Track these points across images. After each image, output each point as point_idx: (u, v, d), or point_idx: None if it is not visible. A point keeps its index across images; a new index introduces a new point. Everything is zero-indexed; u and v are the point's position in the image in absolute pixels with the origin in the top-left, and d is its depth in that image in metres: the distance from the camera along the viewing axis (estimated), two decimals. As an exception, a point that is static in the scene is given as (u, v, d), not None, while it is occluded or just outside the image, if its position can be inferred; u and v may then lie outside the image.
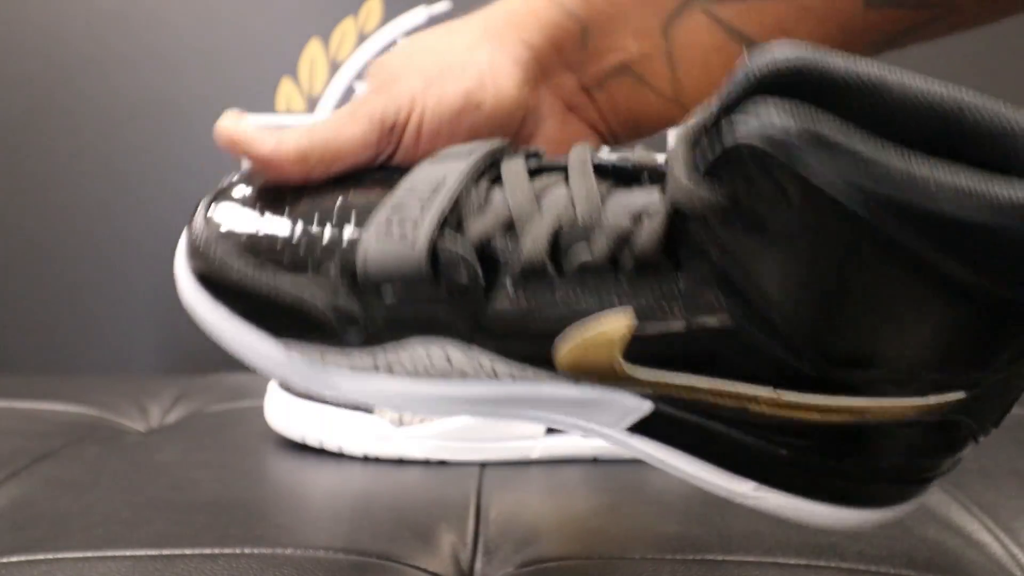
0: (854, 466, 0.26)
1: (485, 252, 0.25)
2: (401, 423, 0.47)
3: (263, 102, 0.78)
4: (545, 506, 0.41)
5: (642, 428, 0.27)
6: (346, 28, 0.78)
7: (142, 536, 0.35)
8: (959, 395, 0.24)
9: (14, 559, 0.33)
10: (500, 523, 0.39)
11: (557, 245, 0.25)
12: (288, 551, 0.34)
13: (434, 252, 0.25)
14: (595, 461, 0.47)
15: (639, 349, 0.25)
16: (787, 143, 0.20)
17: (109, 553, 0.34)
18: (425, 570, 0.34)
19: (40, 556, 0.34)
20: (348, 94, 0.78)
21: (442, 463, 0.47)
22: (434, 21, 0.78)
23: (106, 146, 0.78)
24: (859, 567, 0.34)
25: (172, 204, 0.78)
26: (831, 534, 0.36)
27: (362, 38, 0.78)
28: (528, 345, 0.26)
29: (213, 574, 0.32)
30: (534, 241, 0.25)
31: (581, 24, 0.32)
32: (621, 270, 0.24)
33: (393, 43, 0.78)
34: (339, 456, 0.48)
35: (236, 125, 0.29)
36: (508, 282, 0.25)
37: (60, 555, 0.34)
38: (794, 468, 0.26)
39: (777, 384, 0.24)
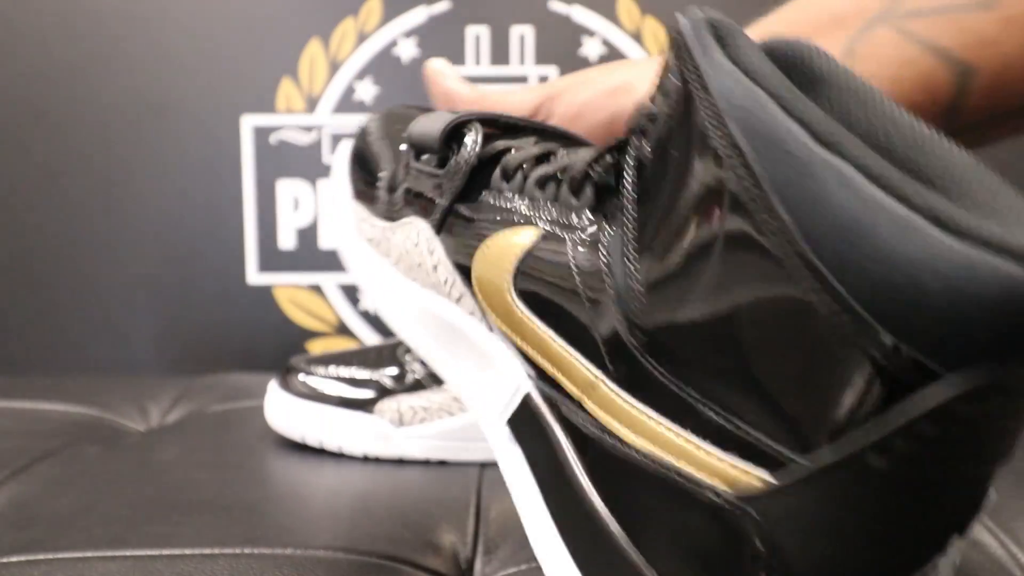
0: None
1: (484, 157, 0.31)
2: (401, 423, 0.47)
3: (263, 102, 0.78)
4: (545, 506, 0.41)
5: (514, 422, 0.28)
6: (346, 28, 0.78)
7: (142, 536, 0.35)
8: (761, 474, 0.19)
9: (14, 559, 0.33)
10: (500, 523, 0.39)
11: (522, 165, 0.29)
12: (288, 551, 0.34)
13: (451, 134, 0.32)
14: None
15: (524, 281, 0.27)
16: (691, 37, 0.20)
17: (109, 553, 0.34)
18: (425, 570, 0.34)
19: (40, 556, 0.34)
20: (348, 94, 0.78)
21: (442, 463, 0.47)
22: (434, 21, 0.78)
23: (106, 146, 0.78)
24: (859, 567, 0.34)
25: (172, 204, 0.78)
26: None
27: (362, 38, 0.78)
28: (464, 247, 0.30)
29: (213, 574, 0.32)
30: (512, 158, 0.30)
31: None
32: (562, 195, 0.27)
33: (393, 43, 0.78)
34: (339, 456, 0.48)
35: (444, 68, 0.43)
36: (482, 188, 0.30)
37: (60, 555, 0.34)
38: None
39: (605, 367, 0.24)
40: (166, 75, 0.77)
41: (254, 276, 0.80)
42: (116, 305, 0.80)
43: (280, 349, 0.80)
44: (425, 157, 0.33)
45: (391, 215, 0.34)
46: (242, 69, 0.78)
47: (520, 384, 0.28)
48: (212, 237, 0.79)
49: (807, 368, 0.18)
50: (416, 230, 0.32)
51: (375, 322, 0.81)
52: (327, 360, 0.51)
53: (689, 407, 0.21)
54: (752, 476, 0.19)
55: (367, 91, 0.78)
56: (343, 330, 0.81)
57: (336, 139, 0.78)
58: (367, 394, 0.48)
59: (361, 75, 0.78)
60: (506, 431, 0.29)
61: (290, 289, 0.80)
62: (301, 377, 0.50)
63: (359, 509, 0.40)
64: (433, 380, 0.48)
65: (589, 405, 0.25)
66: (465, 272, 0.30)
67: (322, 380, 0.49)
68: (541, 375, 0.27)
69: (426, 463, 0.47)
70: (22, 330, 0.81)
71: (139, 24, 0.77)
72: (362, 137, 0.38)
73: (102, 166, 0.78)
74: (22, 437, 0.50)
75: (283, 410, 0.49)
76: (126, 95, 0.77)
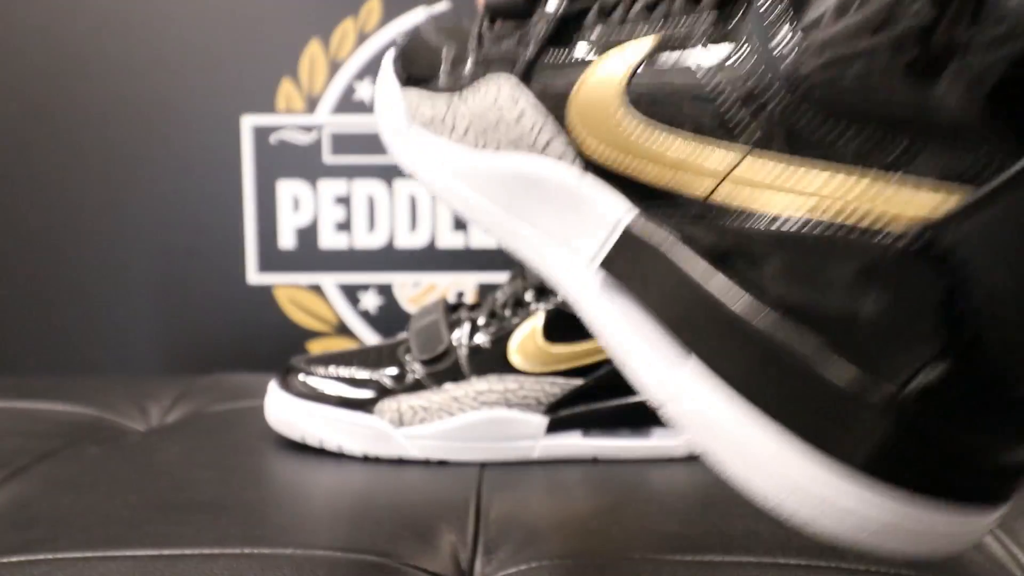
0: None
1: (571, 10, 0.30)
2: (401, 423, 0.47)
3: (263, 102, 0.78)
4: (545, 506, 0.41)
5: (611, 261, 0.28)
6: (346, 28, 0.78)
7: (142, 536, 0.35)
8: None
9: (14, 559, 0.33)
10: (500, 523, 0.39)
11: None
12: (288, 551, 0.34)
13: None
14: (595, 461, 0.47)
15: (641, 88, 0.27)
16: None
17: (109, 553, 0.34)
18: (425, 570, 0.34)
19: (40, 556, 0.34)
20: (348, 94, 0.78)
21: (442, 463, 0.47)
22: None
23: (106, 146, 0.78)
24: (859, 567, 0.34)
25: (172, 203, 0.78)
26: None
27: (362, 38, 0.78)
28: (559, 84, 0.29)
29: (213, 574, 0.32)
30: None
31: None
32: (675, 8, 0.27)
33: (394, 43, 0.78)
34: (339, 456, 0.48)
35: None
36: (573, 33, 0.30)
37: (60, 555, 0.34)
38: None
39: (754, 141, 0.24)
40: (166, 75, 0.78)
41: (254, 276, 0.80)
42: (116, 305, 0.80)
43: (280, 349, 0.80)
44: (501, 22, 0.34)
45: (459, 85, 0.34)
46: (242, 69, 0.78)
47: (620, 217, 0.28)
48: (212, 237, 0.79)
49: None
50: (496, 86, 0.32)
51: (375, 322, 0.81)
52: (327, 360, 0.51)
53: (872, 145, 0.21)
54: (951, 195, 0.20)
55: (367, 91, 0.78)
56: (343, 330, 0.81)
57: (336, 139, 0.78)
58: (367, 394, 0.48)
59: (361, 75, 0.78)
60: (599, 277, 0.29)
61: (290, 289, 0.80)
62: (301, 377, 0.50)
63: (359, 509, 0.40)
64: (433, 380, 0.48)
65: (721, 196, 0.24)
66: (557, 111, 0.30)
67: (322, 380, 0.49)
68: (650, 194, 0.27)
69: (426, 463, 0.47)
70: (22, 330, 0.81)
71: (139, 24, 0.77)
72: (413, 34, 0.38)
73: (102, 166, 0.78)
74: (22, 437, 0.50)
75: (283, 410, 0.49)
76: (126, 95, 0.77)
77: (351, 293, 0.81)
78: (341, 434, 0.48)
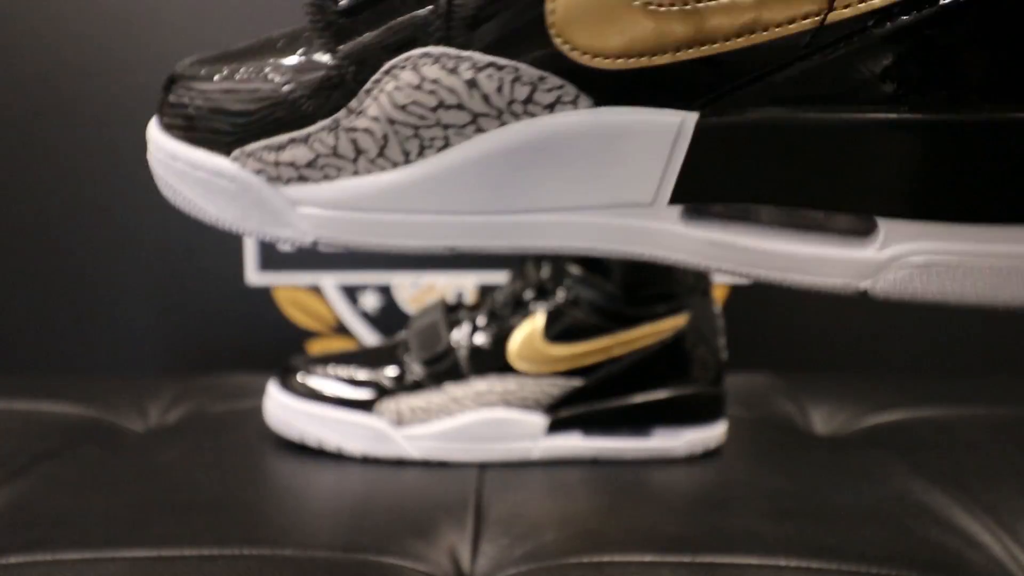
0: None
1: None
2: (401, 423, 0.47)
3: (263, 102, 0.78)
4: (545, 506, 0.41)
5: (682, 185, 0.23)
6: (346, 28, 0.78)
7: (142, 536, 0.35)
8: None
9: (13, 560, 0.33)
10: (500, 523, 0.39)
11: None
12: (288, 551, 0.34)
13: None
14: (595, 462, 0.47)
15: None
16: None
17: (109, 554, 0.34)
18: (425, 571, 0.34)
19: (39, 557, 0.34)
20: (348, 94, 0.78)
21: (442, 464, 0.47)
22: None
23: (106, 146, 0.78)
24: (859, 568, 0.34)
25: (170, 204, 0.78)
26: (831, 535, 0.36)
27: (362, 38, 0.78)
28: (525, 14, 0.23)
29: (213, 574, 0.32)
30: None
31: None
32: None
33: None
34: (338, 457, 0.48)
35: None
36: None
37: (59, 556, 0.34)
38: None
39: None
40: (167, 75, 0.77)
41: (253, 276, 0.80)
42: (115, 305, 0.80)
43: (279, 349, 0.80)
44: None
45: (340, 99, 0.26)
46: (242, 69, 0.78)
47: (683, 120, 0.23)
48: (211, 237, 0.79)
49: None
50: (411, 71, 0.25)
51: (374, 322, 0.81)
52: (327, 360, 0.51)
53: None
54: None
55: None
56: (342, 330, 0.81)
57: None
58: (367, 394, 0.48)
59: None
60: (676, 211, 0.24)
61: (289, 289, 0.80)
62: (300, 377, 0.50)
63: (359, 509, 0.40)
64: (433, 380, 0.48)
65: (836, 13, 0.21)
66: (533, 45, 0.23)
67: (321, 380, 0.49)
68: (715, 73, 0.22)
69: (426, 464, 0.47)
70: (22, 330, 0.81)
71: (139, 24, 0.77)
72: (190, 84, 0.30)
73: (102, 166, 0.78)
74: (22, 437, 0.50)
75: (282, 410, 0.49)
76: (126, 95, 0.77)
77: (350, 293, 0.81)
78: (340, 435, 0.48)
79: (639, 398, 0.47)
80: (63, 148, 0.78)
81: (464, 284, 0.81)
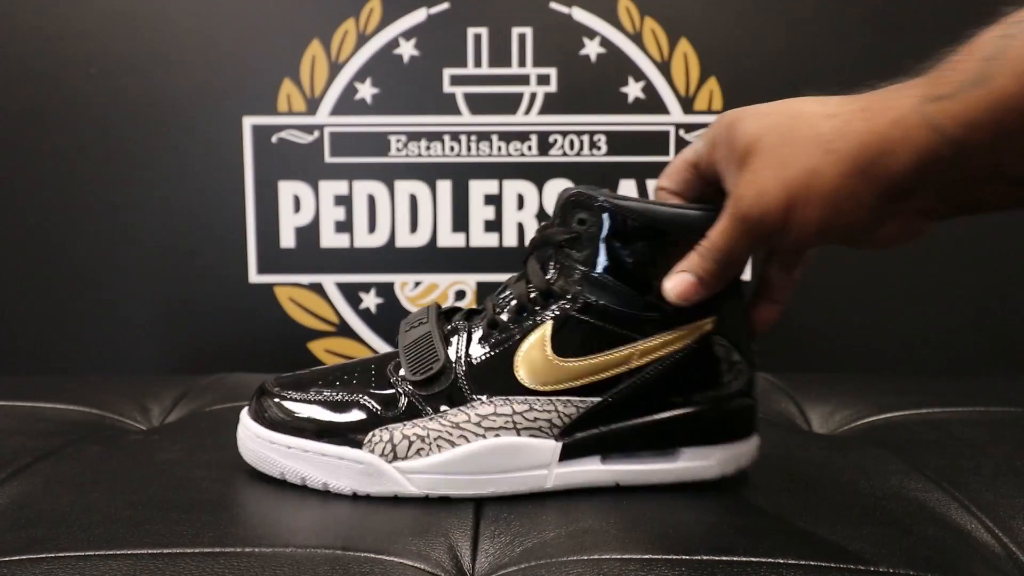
0: None
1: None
2: (395, 457, 0.41)
3: (264, 102, 0.78)
4: (545, 506, 0.41)
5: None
6: (347, 29, 0.78)
7: (143, 535, 0.35)
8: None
9: (15, 558, 0.33)
10: (500, 523, 0.39)
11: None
12: (288, 551, 0.34)
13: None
14: (617, 488, 0.42)
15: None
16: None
17: (110, 552, 0.34)
18: (425, 570, 0.34)
19: (41, 555, 0.34)
20: (349, 94, 0.78)
21: (444, 499, 0.42)
22: (434, 22, 0.78)
23: (107, 146, 0.78)
24: (859, 567, 0.34)
25: (174, 204, 0.79)
26: (830, 533, 0.36)
27: (363, 39, 0.78)
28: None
29: (213, 574, 0.32)
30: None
31: (958, 147, 0.30)
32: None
33: (393, 44, 0.78)
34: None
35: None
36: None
37: (61, 554, 0.34)
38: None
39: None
40: (168, 76, 0.78)
41: (255, 275, 0.80)
42: (117, 305, 0.81)
43: (281, 348, 0.80)
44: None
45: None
46: (243, 70, 0.78)
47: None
48: (213, 237, 0.80)
49: None
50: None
51: (376, 321, 0.81)
52: (306, 382, 0.44)
53: None
54: None
55: (367, 92, 0.78)
56: (344, 329, 0.81)
57: (337, 140, 0.78)
58: (354, 423, 0.42)
59: (362, 76, 0.78)
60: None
61: (291, 288, 0.81)
62: (277, 403, 0.43)
63: (359, 509, 0.40)
64: (429, 404, 0.41)
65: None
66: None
67: (301, 406, 0.43)
68: None
69: (425, 499, 0.41)
70: (22, 330, 0.81)
71: (141, 25, 0.77)
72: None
73: (103, 166, 0.78)
74: (23, 437, 0.50)
75: (257, 444, 0.43)
76: (128, 96, 0.78)
77: (352, 293, 0.81)
78: (326, 471, 0.41)
79: (663, 415, 0.41)
80: (64, 148, 0.78)
81: (464, 284, 0.81)
